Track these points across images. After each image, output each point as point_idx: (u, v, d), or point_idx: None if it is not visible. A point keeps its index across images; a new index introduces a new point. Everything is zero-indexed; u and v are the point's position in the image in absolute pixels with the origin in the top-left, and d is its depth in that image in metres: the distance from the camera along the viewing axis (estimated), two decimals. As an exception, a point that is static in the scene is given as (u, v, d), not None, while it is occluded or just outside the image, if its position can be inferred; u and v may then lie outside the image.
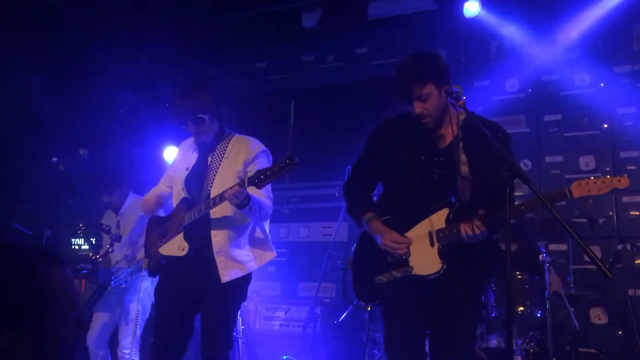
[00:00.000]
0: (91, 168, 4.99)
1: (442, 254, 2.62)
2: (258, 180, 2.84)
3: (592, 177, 2.50)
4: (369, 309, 2.83)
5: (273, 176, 2.82)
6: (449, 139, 2.74)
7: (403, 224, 2.73)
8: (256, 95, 6.60)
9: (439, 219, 2.66)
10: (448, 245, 2.63)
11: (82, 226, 4.21)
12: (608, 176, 2.48)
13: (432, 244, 2.65)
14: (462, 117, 2.78)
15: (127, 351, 4.42)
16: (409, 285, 2.66)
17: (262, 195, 3.17)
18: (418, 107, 2.65)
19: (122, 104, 6.54)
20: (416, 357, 2.71)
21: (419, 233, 2.69)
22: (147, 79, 6.68)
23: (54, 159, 4.75)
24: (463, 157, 2.66)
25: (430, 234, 2.67)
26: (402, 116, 2.85)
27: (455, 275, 2.64)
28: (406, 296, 2.67)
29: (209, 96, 3.23)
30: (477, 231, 2.53)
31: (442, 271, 2.60)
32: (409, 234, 2.71)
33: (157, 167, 5.54)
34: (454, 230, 2.60)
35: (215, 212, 3.17)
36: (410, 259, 2.67)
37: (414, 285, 2.66)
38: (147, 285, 4.38)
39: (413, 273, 2.65)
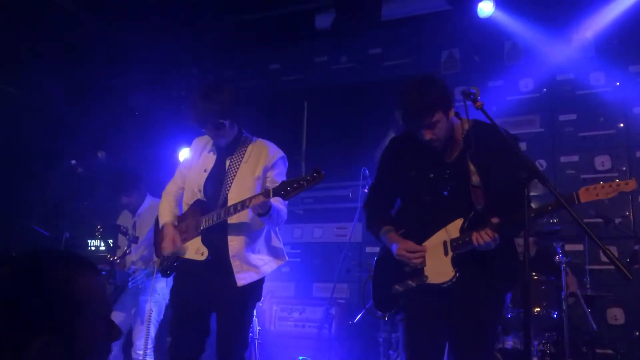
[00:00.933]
0: (109, 170, 5.03)
1: (455, 262, 2.67)
2: (284, 192, 2.84)
3: (600, 182, 2.53)
4: (386, 318, 2.86)
5: (300, 189, 2.82)
6: (455, 151, 2.80)
7: (419, 236, 2.78)
8: (269, 97, 6.63)
9: (453, 229, 2.72)
10: (462, 254, 2.67)
11: (99, 228, 4.25)
12: (617, 180, 2.50)
13: (446, 253, 2.70)
14: (467, 126, 2.80)
15: (141, 352, 4.46)
16: (425, 294, 2.71)
17: (279, 201, 3.18)
18: (427, 135, 2.70)
19: (138, 106, 6.59)
20: None
21: (434, 243, 2.75)
22: (162, 81, 6.73)
23: (73, 161, 4.80)
24: (472, 166, 2.70)
25: (445, 243, 2.72)
26: (408, 134, 2.90)
27: (470, 283, 2.67)
28: (423, 305, 2.72)
29: (229, 101, 3.22)
30: (487, 239, 2.56)
31: (454, 279, 2.65)
32: (425, 244, 2.76)
33: (173, 169, 5.58)
34: (467, 239, 2.64)
35: (233, 218, 3.18)
36: (425, 268, 2.72)
37: (430, 293, 2.70)
38: (162, 286, 4.41)
39: (428, 282, 2.71)
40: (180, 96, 6.58)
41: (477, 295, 2.68)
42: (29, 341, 1.20)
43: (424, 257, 2.73)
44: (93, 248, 4.63)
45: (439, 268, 2.69)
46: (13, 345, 1.20)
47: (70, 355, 1.24)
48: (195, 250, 3.24)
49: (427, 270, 2.72)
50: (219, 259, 3.20)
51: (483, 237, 2.57)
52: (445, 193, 2.76)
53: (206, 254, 3.19)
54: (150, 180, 5.04)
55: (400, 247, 2.74)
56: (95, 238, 4.24)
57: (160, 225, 3.46)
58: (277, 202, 3.08)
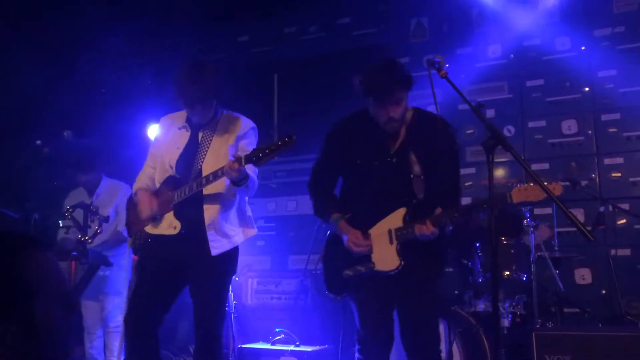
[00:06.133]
0: (76, 149, 4.96)
1: (400, 251, 2.88)
2: (256, 158, 2.87)
3: (531, 184, 2.68)
4: (338, 298, 3.01)
5: (272, 154, 2.85)
6: (399, 140, 2.97)
7: (365, 222, 2.97)
8: (238, 70, 6.55)
9: (397, 218, 2.91)
10: (405, 242, 2.87)
11: (69, 208, 4.20)
12: (545, 183, 2.60)
13: (391, 242, 2.90)
14: (409, 115, 2.98)
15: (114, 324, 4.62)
16: (373, 279, 2.93)
17: (251, 170, 3.19)
18: (394, 111, 2.84)
19: (104, 82, 6.46)
20: (386, 342, 2.97)
21: (380, 231, 2.94)
22: (128, 56, 6.59)
23: (38, 141, 4.72)
24: (413, 156, 2.89)
25: (389, 232, 2.91)
26: (356, 116, 3.06)
27: (413, 267, 2.89)
28: (372, 287, 2.94)
29: (216, 80, 3.25)
30: (428, 232, 2.78)
31: (400, 267, 2.86)
32: (371, 231, 2.95)
33: (142, 145, 5.50)
34: (410, 230, 2.84)
35: (208, 189, 3.20)
36: (372, 255, 2.92)
37: (378, 278, 2.92)
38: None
39: (375, 269, 2.91)
40: (147, 71, 6.47)
41: (419, 278, 2.91)
42: None
43: (371, 245, 2.91)
44: (64, 228, 4.57)
45: (385, 256, 2.90)
46: None
47: (32, 337, 1.22)
48: (168, 225, 3.24)
49: (374, 257, 2.92)
50: (194, 231, 3.20)
51: (424, 231, 2.78)
52: (388, 182, 2.93)
53: (179, 227, 3.20)
54: (120, 158, 4.98)
55: (349, 238, 2.93)
56: (65, 219, 4.19)
57: (133, 193, 3.44)
58: (249, 170, 3.10)
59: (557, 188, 2.63)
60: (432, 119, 2.89)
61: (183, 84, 3.20)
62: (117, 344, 4.59)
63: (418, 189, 2.87)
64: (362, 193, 3.01)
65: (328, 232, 3.20)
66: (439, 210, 2.78)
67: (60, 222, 4.63)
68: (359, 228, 2.96)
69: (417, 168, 2.88)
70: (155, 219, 3.28)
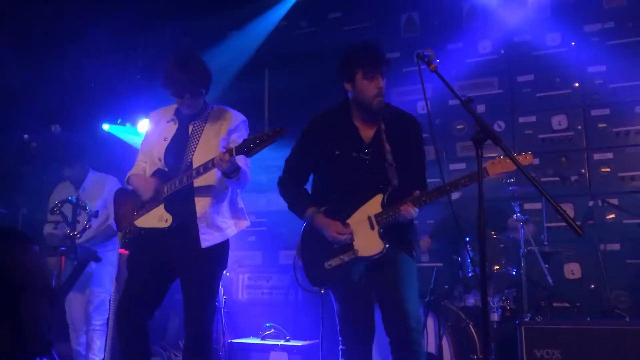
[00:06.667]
0: (64, 143, 4.94)
1: (382, 235, 2.97)
2: (247, 149, 2.88)
3: (501, 156, 2.87)
4: (322, 291, 3.04)
5: (262, 145, 2.87)
6: (372, 131, 3.09)
7: (343, 212, 3.04)
8: (228, 63, 6.51)
9: (374, 204, 3.01)
10: (386, 226, 2.97)
11: (58, 203, 4.16)
12: (515, 154, 2.72)
13: (372, 227, 2.99)
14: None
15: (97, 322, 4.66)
16: (355, 265, 3.00)
17: (242, 161, 3.19)
18: (382, 82, 3.00)
19: (93, 75, 6.41)
20: (368, 332, 3.03)
21: (359, 219, 3.02)
22: (118, 48, 6.54)
23: (25, 136, 4.69)
24: (387, 146, 3.03)
25: (369, 218, 3.00)
26: (331, 111, 3.20)
27: (393, 250, 2.99)
28: (354, 274, 3.00)
29: (205, 70, 3.27)
30: (413, 211, 2.92)
31: (385, 250, 2.95)
32: (349, 220, 3.02)
33: (132, 140, 5.48)
34: (391, 214, 2.95)
35: (199, 181, 3.19)
36: (354, 242, 2.99)
37: (360, 264, 3.00)
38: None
39: (359, 255, 2.98)
40: (136, 66, 6.43)
41: (397, 258, 3.00)
42: None
43: (352, 234, 2.99)
44: (52, 224, 4.53)
45: (368, 241, 2.98)
46: None
47: (17, 333, 1.22)
48: (158, 218, 3.22)
49: (357, 244, 2.99)
50: (185, 224, 3.19)
51: (409, 211, 2.90)
52: (365, 171, 3.03)
53: (170, 220, 3.18)
54: (107, 153, 4.95)
55: (331, 230, 2.98)
56: (53, 213, 4.15)
57: (127, 178, 3.43)
58: (240, 162, 3.10)
59: (527, 157, 2.79)
60: (402, 112, 3.17)
61: (172, 74, 3.23)
62: (99, 342, 4.59)
63: (392, 177, 3.01)
64: (338, 185, 3.08)
65: (302, 226, 3.22)
66: (416, 193, 2.93)
67: (48, 216, 4.60)
68: (335, 219, 3.02)
69: (389, 157, 3.02)
70: (156, 200, 3.24)
